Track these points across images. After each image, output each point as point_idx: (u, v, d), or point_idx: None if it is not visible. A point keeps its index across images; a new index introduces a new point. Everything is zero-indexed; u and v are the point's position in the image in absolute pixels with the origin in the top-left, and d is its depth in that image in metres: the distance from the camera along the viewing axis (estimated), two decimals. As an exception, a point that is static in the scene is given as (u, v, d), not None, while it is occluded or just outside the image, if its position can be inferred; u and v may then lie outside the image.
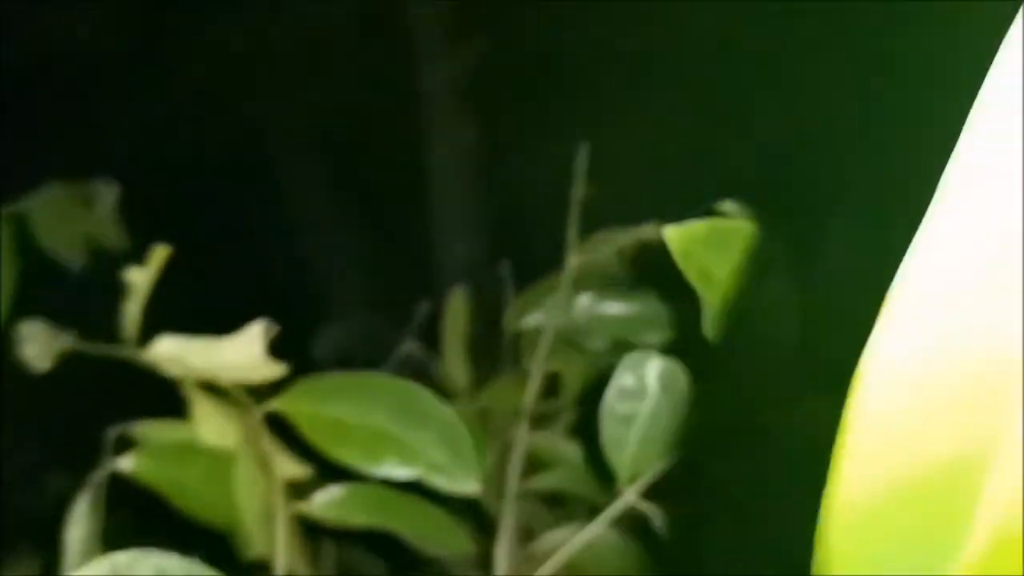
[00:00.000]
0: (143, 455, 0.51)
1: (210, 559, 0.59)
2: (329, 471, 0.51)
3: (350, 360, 0.97)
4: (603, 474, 0.56)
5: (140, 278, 0.52)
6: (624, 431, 0.50)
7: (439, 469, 0.50)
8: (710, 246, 0.43)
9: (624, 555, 0.55)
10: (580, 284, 0.70)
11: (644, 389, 0.50)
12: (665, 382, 0.51)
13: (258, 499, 0.51)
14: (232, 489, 0.51)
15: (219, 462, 0.52)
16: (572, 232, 0.72)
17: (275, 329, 0.55)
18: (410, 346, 0.84)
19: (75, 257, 0.82)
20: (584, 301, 0.69)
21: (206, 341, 0.54)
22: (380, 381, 0.53)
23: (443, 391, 0.77)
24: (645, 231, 0.74)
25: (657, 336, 0.67)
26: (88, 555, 0.50)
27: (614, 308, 0.68)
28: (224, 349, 0.55)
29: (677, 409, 0.50)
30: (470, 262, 0.91)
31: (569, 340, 0.69)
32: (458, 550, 0.51)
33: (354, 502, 0.50)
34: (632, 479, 0.50)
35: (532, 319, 0.73)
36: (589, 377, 0.70)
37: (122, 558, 0.40)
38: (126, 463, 0.50)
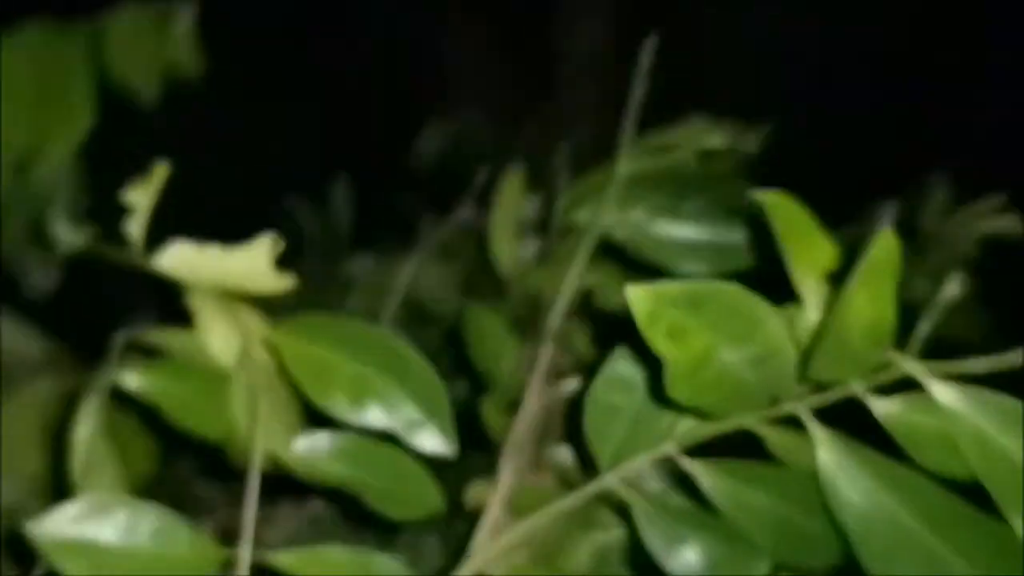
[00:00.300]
0: (141, 370, 0.52)
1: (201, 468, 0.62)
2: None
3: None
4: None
5: (141, 198, 0.51)
6: (609, 422, 0.48)
7: (417, 426, 0.50)
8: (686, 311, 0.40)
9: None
10: (633, 188, 0.66)
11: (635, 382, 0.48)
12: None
13: (253, 414, 0.53)
14: (228, 404, 0.53)
15: (216, 378, 0.53)
16: (630, 129, 0.67)
17: (281, 243, 0.54)
18: (468, 212, 0.82)
19: (149, 85, 0.82)
20: (635, 213, 0.65)
21: (214, 250, 0.54)
22: (369, 329, 0.52)
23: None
24: (711, 138, 0.69)
25: (697, 266, 0.63)
26: (94, 455, 0.53)
27: (662, 228, 0.64)
28: (231, 259, 0.55)
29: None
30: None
31: (609, 249, 0.66)
32: (433, 511, 0.51)
33: (335, 452, 0.50)
34: (613, 467, 0.49)
35: (580, 214, 0.70)
36: (618, 305, 0.67)
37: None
38: (129, 378, 0.52)
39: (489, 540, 0.61)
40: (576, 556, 0.56)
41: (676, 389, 0.42)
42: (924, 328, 0.45)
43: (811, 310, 0.43)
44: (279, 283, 0.55)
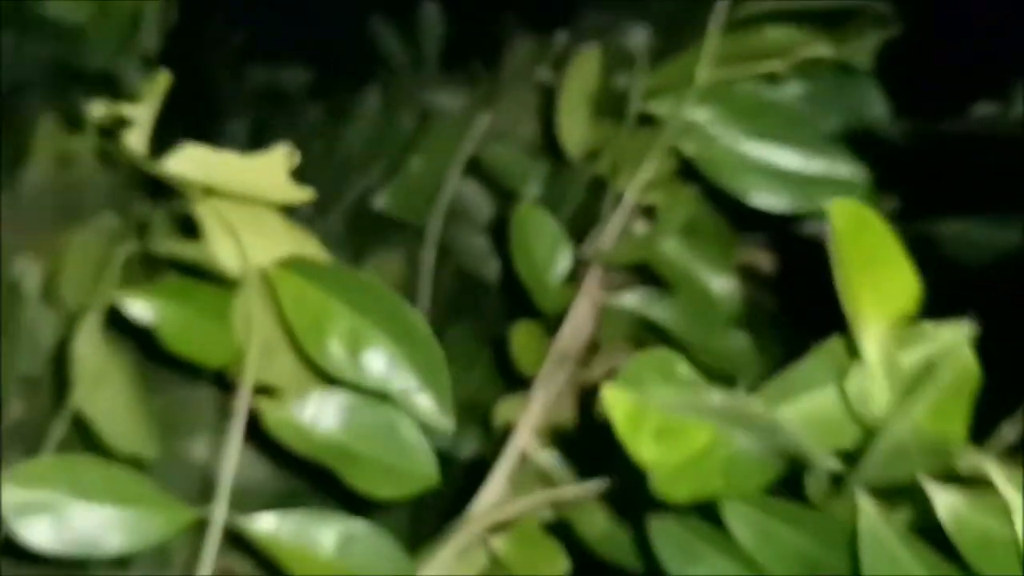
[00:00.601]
0: (139, 293, 0.48)
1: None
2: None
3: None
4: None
5: (141, 112, 0.45)
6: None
7: (413, 393, 0.45)
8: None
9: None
10: (715, 95, 0.56)
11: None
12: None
13: (260, 333, 0.48)
14: (232, 324, 0.49)
15: (221, 299, 0.49)
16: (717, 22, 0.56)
17: (297, 155, 0.48)
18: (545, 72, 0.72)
19: None
20: (714, 126, 0.55)
21: (228, 156, 0.48)
22: (377, 286, 0.46)
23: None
24: (813, 47, 0.57)
25: (778, 201, 0.54)
26: (96, 371, 0.50)
27: (744, 147, 0.54)
28: (246, 165, 0.49)
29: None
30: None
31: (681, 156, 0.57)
32: (427, 488, 0.47)
33: (327, 409, 0.46)
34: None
35: (658, 105, 0.60)
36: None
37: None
38: (127, 303, 0.48)
39: (512, 468, 0.57)
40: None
41: (670, 490, 0.35)
42: (1008, 432, 0.36)
43: (871, 372, 0.35)
44: (296, 194, 0.49)
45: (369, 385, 0.46)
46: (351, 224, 0.81)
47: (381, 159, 0.79)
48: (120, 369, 0.51)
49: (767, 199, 0.53)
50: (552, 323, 0.61)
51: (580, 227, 0.66)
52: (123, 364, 0.51)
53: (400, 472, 0.46)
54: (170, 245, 0.50)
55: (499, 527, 0.51)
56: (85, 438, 0.51)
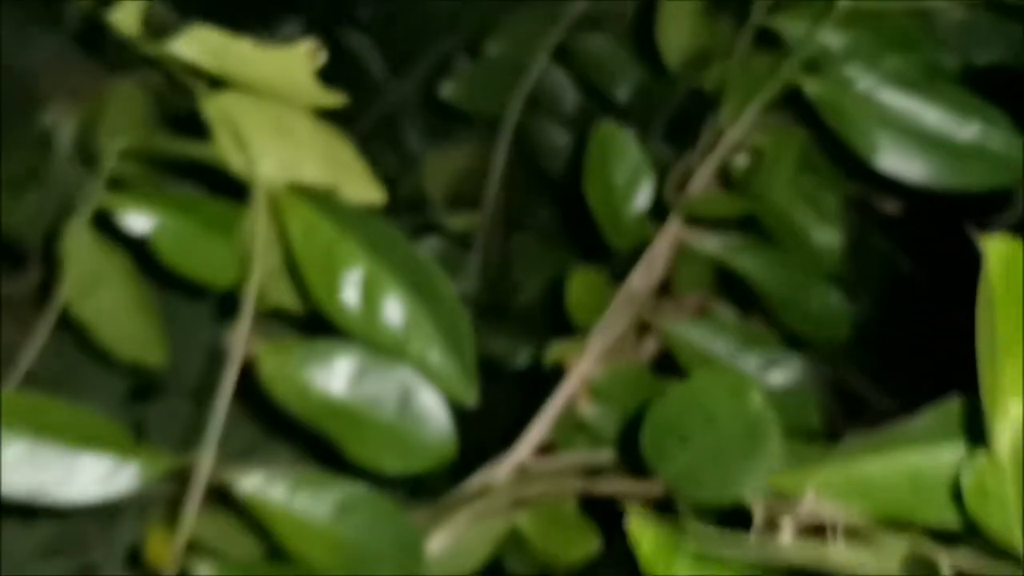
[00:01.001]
0: (138, 199, 0.41)
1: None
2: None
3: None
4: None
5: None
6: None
7: (435, 357, 0.38)
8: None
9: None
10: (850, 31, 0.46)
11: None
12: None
13: (266, 260, 0.42)
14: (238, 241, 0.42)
15: (226, 212, 0.42)
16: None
17: (323, 54, 0.40)
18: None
19: None
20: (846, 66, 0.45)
21: (244, 44, 0.41)
22: (399, 235, 0.38)
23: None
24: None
25: (909, 167, 0.44)
26: (91, 270, 0.45)
27: (880, 96, 0.44)
28: (266, 57, 0.41)
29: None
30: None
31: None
32: (444, 462, 0.40)
33: (335, 362, 0.39)
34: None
35: (786, 23, 0.50)
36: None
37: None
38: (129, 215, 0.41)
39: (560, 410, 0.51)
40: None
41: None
42: None
43: (998, 469, 0.27)
44: (322, 96, 0.42)
45: (384, 341, 0.39)
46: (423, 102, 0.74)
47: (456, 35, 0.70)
48: (119, 271, 0.45)
49: (900, 164, 0.44)
50: (619, 263, 0.54)
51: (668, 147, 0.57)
52: (122, 265, 0.45)
53: (412, 444, 0.39)
54: (177, 144, 0.43)
55: (524, 499, 0.45)
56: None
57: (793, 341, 0.55)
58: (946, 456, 0.33)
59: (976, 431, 0.31)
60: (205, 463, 0.39)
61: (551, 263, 0.66)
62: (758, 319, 0.56)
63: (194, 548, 0.40)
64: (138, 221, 0.42)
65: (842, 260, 0.56)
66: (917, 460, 0.33)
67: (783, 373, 0.53)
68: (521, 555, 0.45)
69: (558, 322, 0.54)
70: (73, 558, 0.46)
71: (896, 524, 0.32)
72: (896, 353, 0.62)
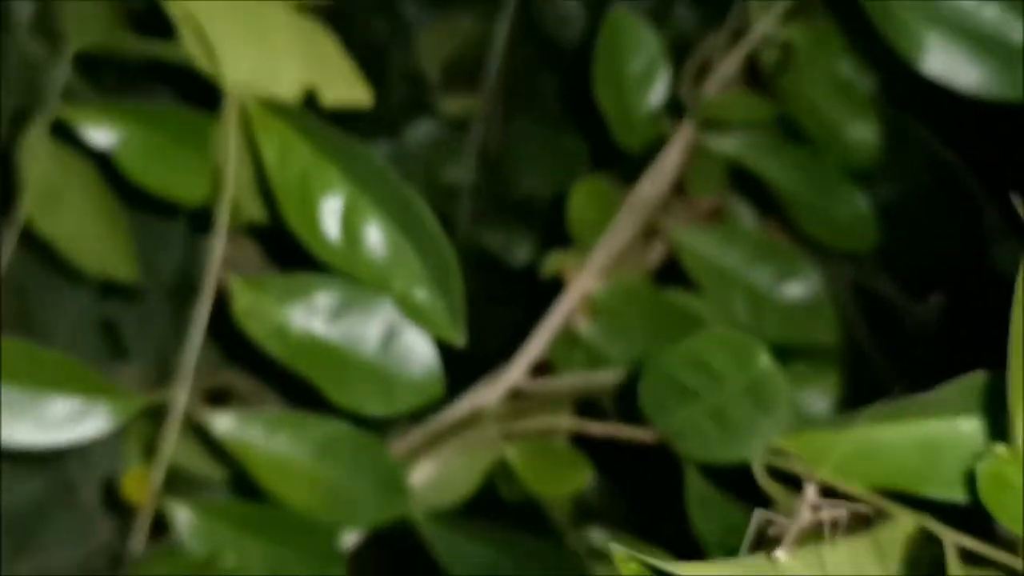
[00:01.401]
0: (98, 112, 0.37)
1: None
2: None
3: None
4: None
5: None
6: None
7: (421, 294, 0.35)
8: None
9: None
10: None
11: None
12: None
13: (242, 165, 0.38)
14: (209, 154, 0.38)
15: (195, 123, 0.38)
16: None
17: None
18: None
19: None
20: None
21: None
22: (382, 165, 0.34)
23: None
24: None
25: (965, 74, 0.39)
26: (51, 183, 0.41)
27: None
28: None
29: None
30: None
31: None
32: (430, 402, 0.37)
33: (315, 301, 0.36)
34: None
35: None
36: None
37: None
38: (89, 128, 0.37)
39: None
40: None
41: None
42: None
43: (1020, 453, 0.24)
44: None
45: (366, 276, 0.36)
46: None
47: None
48: (82, 182, 0.42)
49: (949, 68, 0.39)
50: (629, 164, 0.50)
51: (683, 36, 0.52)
52: (86, 175, 0.42)
53: (396, 384, 0.37)
54: (141, 43, 0.39)
55: (515, 433, 0.43)
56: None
57: (815, 248, 0.52)
58: (963, 428, 0.30)
59: (998, 411, 0.29)
60: (179, 402, 0.37)
61: (556, 152, 0.62)
62: (776, 225, 0.53)
63: (171, 484, 0.39)
64: (99, 135, 0.38)
65: (878, 157, 0.52)
66: (932, 429, 0.30)
67: (800, 285, 0.50)
68: (510, 484, 0.43)
69: (561, 219, 0.51)
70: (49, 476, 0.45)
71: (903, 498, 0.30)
72: (930, 256, 0.58)
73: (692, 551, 0.38)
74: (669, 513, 0.40)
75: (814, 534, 0.26)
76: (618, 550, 0.22)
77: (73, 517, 0.45)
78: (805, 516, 0.25)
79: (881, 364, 0.60)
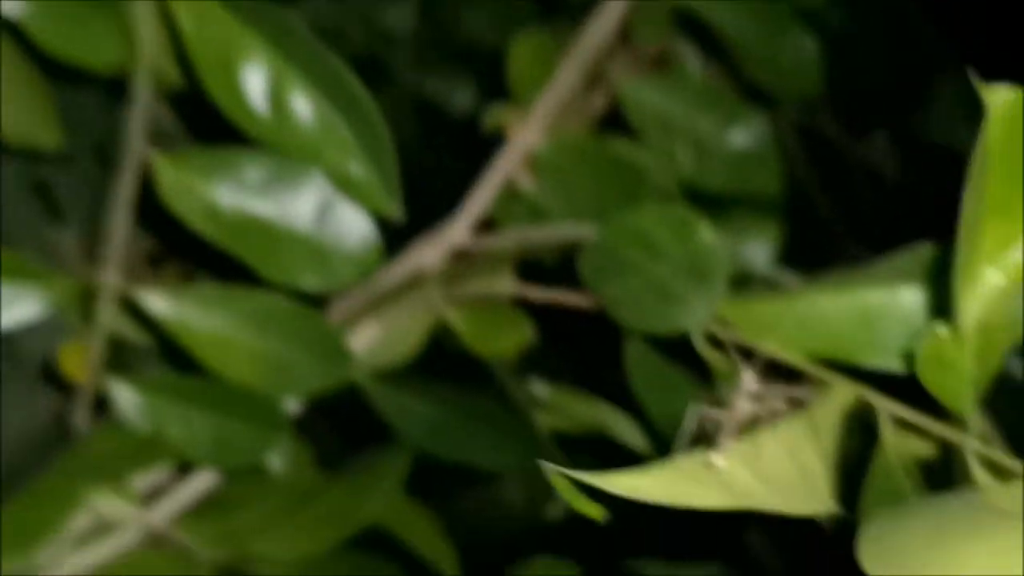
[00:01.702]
0: None
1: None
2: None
3: None
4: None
5: None
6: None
7: (354, 165, 0.34)
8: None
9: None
10: None
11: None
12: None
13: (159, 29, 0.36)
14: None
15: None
16: None
17: None
18: None
19: None
20: None
21: None
22: (311, 36, 0.32)
23: None
24: None
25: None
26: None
27: None
28: None
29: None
30: None
31: None
32: (364, 273, 0.36)
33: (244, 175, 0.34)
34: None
35: None
36: None
37: None
38: None
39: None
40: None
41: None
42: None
43: (960, 340, 0.25)
44: None
45: (295, 149, 0.34)
46: None
47: None
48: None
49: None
50: (573, 8, 0.48)
51: None
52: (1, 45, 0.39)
53: (332, 258, 0.36)
54: None
55: (456, 297, 0.42)
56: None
57: (760, 95, 0.51)
58: (905, 298, 0.30)
59: (941, 285, 0.29)
60: (109, 284, 0.36)
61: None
62: (721, 69, 0.51)
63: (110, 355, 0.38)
64: (8, 3, 0.35)
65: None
66: (873, 298, 0.31)
67: (745, 133, 0.49)
68: (452, 341, 0.43)
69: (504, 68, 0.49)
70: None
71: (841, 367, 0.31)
72: (877, 96, 0.57)
73: (631, 403, 0.39)
74: (609, 370, 0.40)
75: (752, 419, 0.26)
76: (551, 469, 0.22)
77: (17, 390, 0.45)
78: (742, 408, 0.25)
79: (825, 206, 0.60)
